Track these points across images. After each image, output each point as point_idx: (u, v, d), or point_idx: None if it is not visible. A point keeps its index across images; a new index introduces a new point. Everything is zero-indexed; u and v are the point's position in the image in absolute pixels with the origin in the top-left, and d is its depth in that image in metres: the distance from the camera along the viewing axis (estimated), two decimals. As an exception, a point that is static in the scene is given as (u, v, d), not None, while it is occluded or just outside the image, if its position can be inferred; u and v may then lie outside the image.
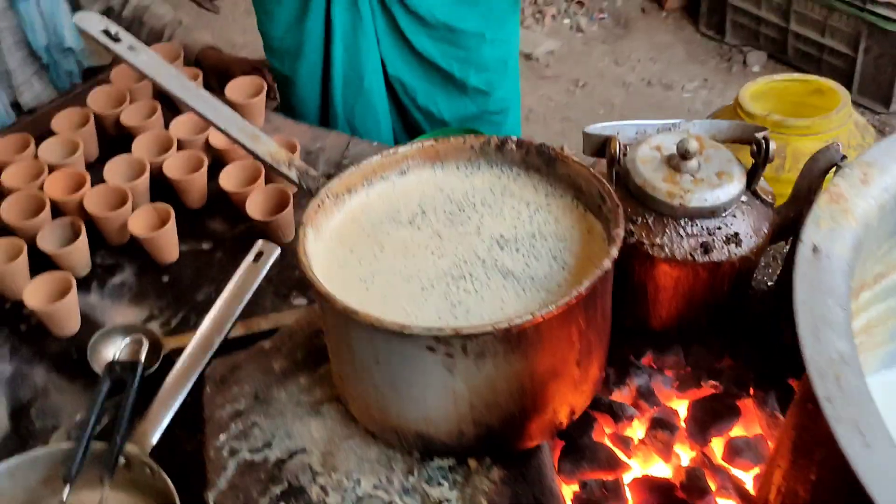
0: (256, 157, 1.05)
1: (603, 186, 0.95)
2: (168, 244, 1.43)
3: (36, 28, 1.80)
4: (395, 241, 0.97)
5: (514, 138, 1.04)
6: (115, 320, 1.36)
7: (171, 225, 1.40)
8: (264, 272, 1.16)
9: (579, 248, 0.95)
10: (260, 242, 1.19)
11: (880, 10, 2.98)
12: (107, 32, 1.01)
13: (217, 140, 1.55)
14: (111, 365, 1.10)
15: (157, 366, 1.23)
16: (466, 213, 1.01)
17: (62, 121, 1.62)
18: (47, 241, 1.38)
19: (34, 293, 1.29)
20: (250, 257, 1.17)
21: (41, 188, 1.46)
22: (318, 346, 1.06)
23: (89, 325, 1.35)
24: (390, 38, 1.76)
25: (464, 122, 1.86)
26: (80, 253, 1.40)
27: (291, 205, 1.43)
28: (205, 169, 1.50)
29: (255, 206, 1.43)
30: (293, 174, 1.02)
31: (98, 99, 1.67)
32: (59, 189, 1.47)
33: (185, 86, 1.04)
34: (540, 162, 1.02)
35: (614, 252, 0.88)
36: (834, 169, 1.01)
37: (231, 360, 1.06)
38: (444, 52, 1.78)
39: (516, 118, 1.99)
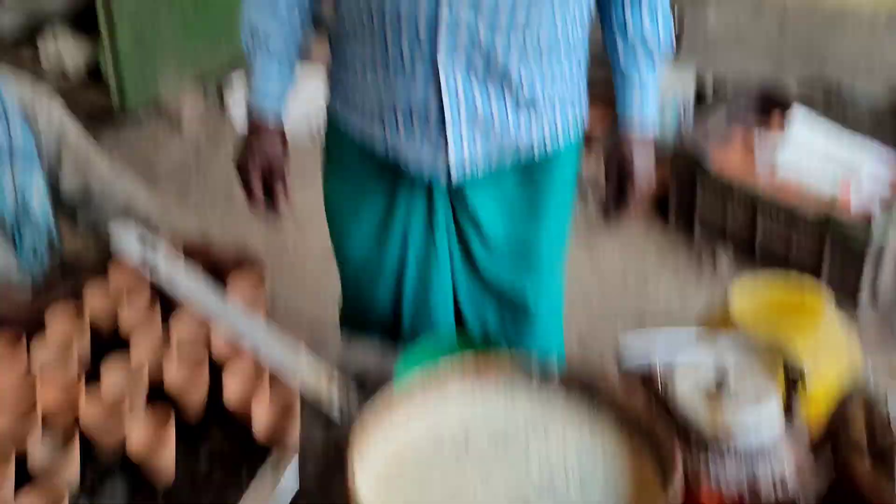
0: (291, 383, 1.00)
1: (660, 431, 0.93)
2: (166, 465, 1.33)
3: (5, 191, 1.74)
4: (440, 478, 0.92)
5: (558, 367, 1.02)
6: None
7: (171, 445, 1.32)
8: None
9: (630, 480, 0.91)
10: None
11: (842, 225, 3.14)
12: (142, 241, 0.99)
13: (219, 343, 1.50)
14: None
15: None
16: (511, 439, 0.97)
17: (56, 317, 1.56)
18: (37, 452, 1.29)
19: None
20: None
21: (32, 392, 1.38)
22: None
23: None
24: (465, 272, 1.71)
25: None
26: (72, 467, 1.30)
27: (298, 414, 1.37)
28: (206, 381, 1.43)
29: (261, 420, 1.36)
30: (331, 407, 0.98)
31: (94, 295, 1.62)
32: (52, 395, 1.39)
33: (220, 305, 1.01)
34: (585, 389, 1.00)
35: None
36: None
37: None
38: (516, 279, 1.73)
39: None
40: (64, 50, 3.30)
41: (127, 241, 0.96)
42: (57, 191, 1.87)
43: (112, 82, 3.20)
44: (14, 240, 1.79)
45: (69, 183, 1.86)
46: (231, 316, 0.98)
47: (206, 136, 3.47)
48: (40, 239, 1.84)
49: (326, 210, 1.81)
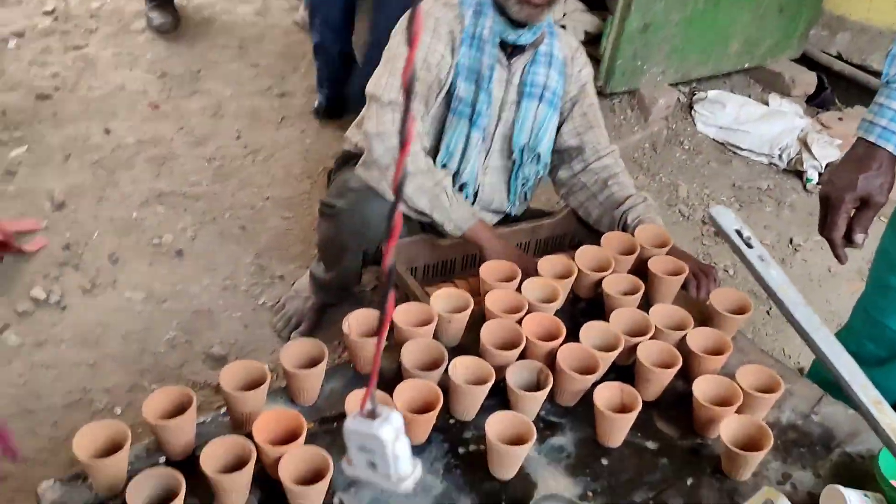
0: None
1: None
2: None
3: (524, 124, 1.93)
4: None
5: None
6: (548, 483, 1.31)
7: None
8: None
9: None
10: (768, 491, 1.07)
11: None
12: (739, 233, 0.99)
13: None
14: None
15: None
16: None
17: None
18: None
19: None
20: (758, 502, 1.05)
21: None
22: None
23: None
24: None
25: None
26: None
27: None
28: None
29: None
30: None
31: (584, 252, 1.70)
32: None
33: (811, 321, 0.98)
34: None
35: None
36: None
37: None
38: None
39: None
40: (573, 18, 3.52)
41: (726, 225, 0.98)
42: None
43: (605, 61, 3.34)
44: (511, 174, 1.99)
45: (568, 134, 2.00)
46: (817, 330, 0.94)
47: (667, 133, 3.50)
48: (530, 176, 2.00)
49: None
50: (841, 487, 1.27)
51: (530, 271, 1.63)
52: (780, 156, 3.39)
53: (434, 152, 1.90)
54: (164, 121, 3.17)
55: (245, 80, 3.50)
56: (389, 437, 0.72)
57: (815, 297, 2.76)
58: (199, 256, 2.55)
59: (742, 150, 3.45)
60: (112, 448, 1.20)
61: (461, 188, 1.92)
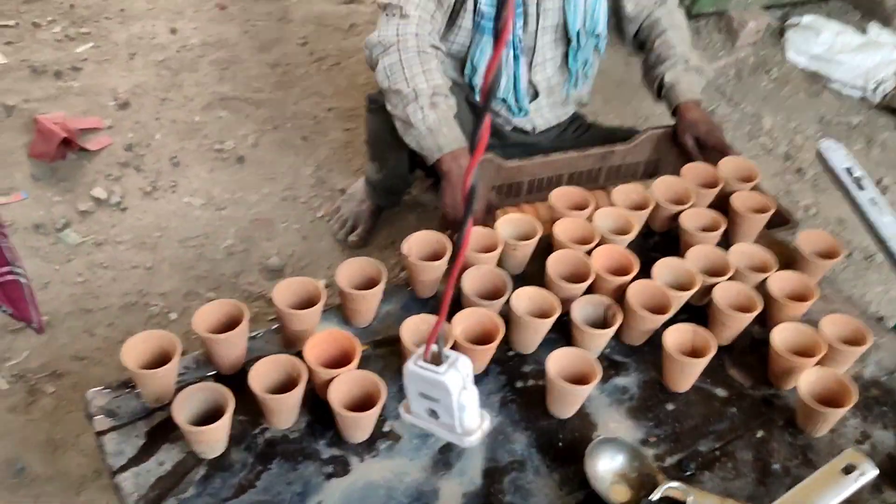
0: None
1: None
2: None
3: (578, 9, 1.84)
4: None
5: None
6: (609, 426, 1.25)
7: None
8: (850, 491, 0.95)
9: None
10: (851, 453, 0.98)
11: None
12: (850, 172, 0.88)
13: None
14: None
15: (646, 506, 1.10)
16: None
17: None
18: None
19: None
20: (838, 465, 0.97)
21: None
22: None
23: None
24: None
25: None
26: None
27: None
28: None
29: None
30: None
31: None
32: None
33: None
34: None
35: None
36: None
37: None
38: None
39: None
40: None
41: (835, 162, 0.88)
42: None
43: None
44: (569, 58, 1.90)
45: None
46: None
47: (754, 60, 3.29)
48: (590, 56, 1.93)
49: None
50: (927, 453, 1.18)
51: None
52: (874, 90, 3.16)
53: (462, 64, 1.83)
54: (230, 23, 3.09)
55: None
56: (456, 385, 0.64)
57: (900, 242, 2.59)
58: (259, 164, 2.50)
59: (833, 81, 3.22)
60: (161, 358, 1.17)
61: (504, 102, 1.88)
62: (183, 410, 1.11)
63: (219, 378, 1.24)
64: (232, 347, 1.21)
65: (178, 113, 2.66)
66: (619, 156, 1.97)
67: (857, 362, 1.37)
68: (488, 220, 1.56)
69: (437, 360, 0.65)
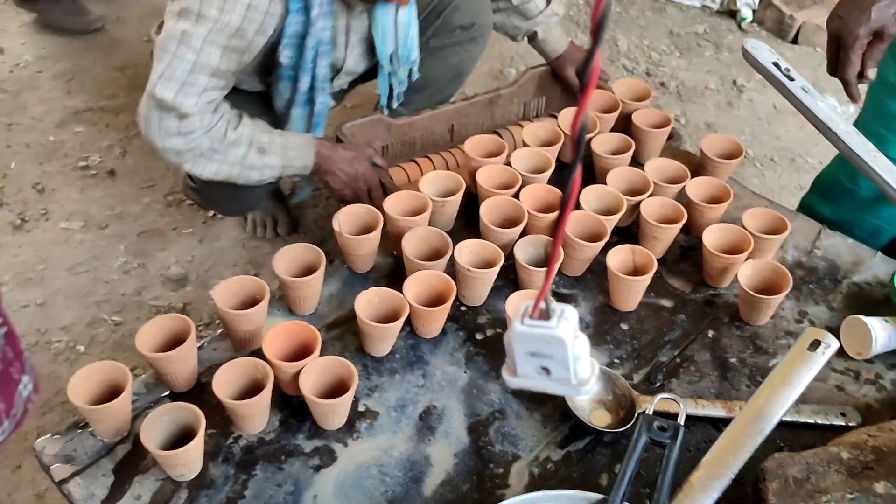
0: None
1: None
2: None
3: None
4: None
5: None
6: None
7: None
8: (820, 365, 1.01)
9: None
10: (812, 331, 1.04)
11: None
12: (777, 66, 0.91)
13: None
14: (649, 419, 0.98)
15: (630, 424, 1.14)
16: None
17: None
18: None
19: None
20: (804, 344, 1.03)
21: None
22: None
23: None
24: None
25: None
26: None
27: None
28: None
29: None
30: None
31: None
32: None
33: (867, 149, 0.92)
34: None
35: None
36: None
37: (802, 459, 0.92)
38: None
39: None
40: None
41: (762, 59, 0.91)
42: None
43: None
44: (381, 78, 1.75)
45: None
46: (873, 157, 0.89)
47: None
48: (404, 77, 1.75)
49: None
50: (862, 317, 1.26)
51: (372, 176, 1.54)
52: (711, -3, 3.32)
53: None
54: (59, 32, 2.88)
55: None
56: (569, 336, 0.63)
57: (764, 134, 2.76)
58: (133, 174, 2.36)
59: (673, -5, 3.36)
60: (109, 391, 1.10)
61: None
62: (152, 437, 1.05)
63: (174, 397, 1.17)
64: (183, 363, 1.15)
65: (30, 136, 2.46)
66: (506, 98, 1.98)
67: (779, 249, 1.45)
68: (384, 175, 1.53)
69: (544, 315, 0.64)
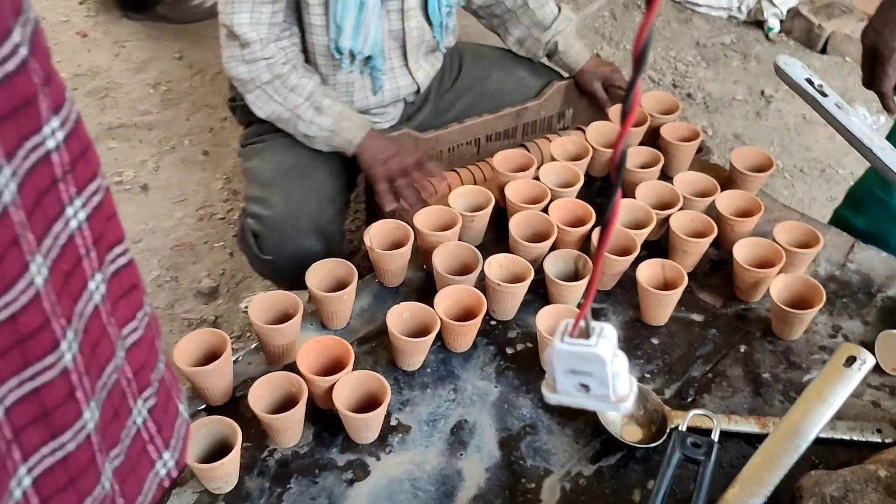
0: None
1: None
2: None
3: None
4: None
5: None
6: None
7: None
8: (856, 382, 1.00)
9: None
10: (848, 346, 1.04)
11: None
12: (811, 82, 0.92)
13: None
14: (683, 435, 0.98)
15: (662, 440, 1.13)
16: None
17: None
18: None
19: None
20: (839, 360, 1.02)
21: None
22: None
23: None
24: None
25: None
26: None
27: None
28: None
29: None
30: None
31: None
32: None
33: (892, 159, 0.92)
34: None
35: None
36: None
37: (839, 477, 0.91)
38: None
39: None
40: None
41: (795, 75, 0.91)
42: None
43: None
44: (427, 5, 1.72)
45: None
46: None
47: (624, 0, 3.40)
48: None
49: None
50: (896, 332, 1.25)
51: (415, 171, 1.51)
52: (738, 7, 3.31)
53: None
54: (96, 49, 2.94)
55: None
56: (608, 354, 0.64)
57: (794, 145, 2.74)
58: (166, 189, 2.40)
59: (700, 6, 3.35)
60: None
61: (367, 62, 1.64)
62: (189, 450, 1.06)
63: (210, 410, 1.19)
64: (220, 377, 1.17)
65: (65, 152, 2.51)
66: (533, 111, 1.99)
67: (811, 263, 1.44)
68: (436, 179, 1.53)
69: (584, 334, 0.65)
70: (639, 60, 0.50)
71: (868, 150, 1.02)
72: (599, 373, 0.64)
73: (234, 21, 1.49)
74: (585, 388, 0.67)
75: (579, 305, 1.34)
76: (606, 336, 0.64)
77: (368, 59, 1.63)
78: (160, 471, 0.68)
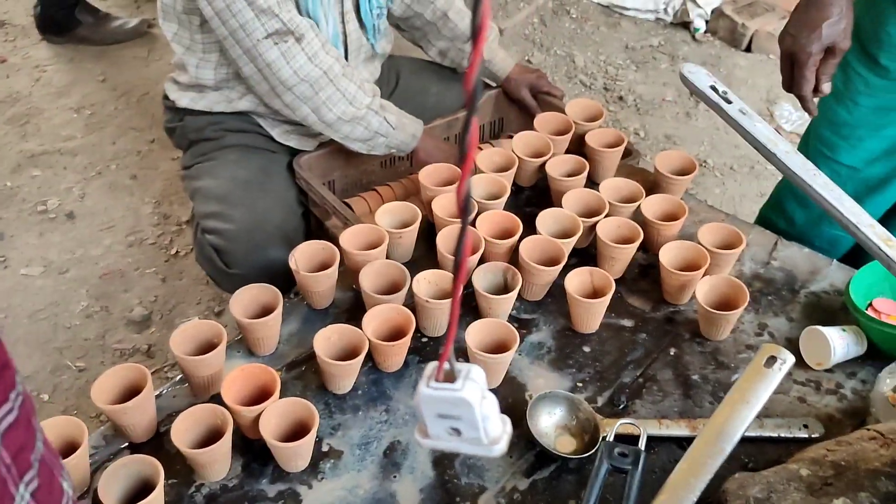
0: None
1: None
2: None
3: None
4: None
5: None
6: (537, 383, 1.27)
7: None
8: (777, 382, 1.01)
9: None
10: (768, 347, 1.05)
11: None
12: (715, 89, 0.92)
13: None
14: (610, 446, 0.98)
15: (595, 449, 1.13)
16: None
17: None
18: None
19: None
20: (760, 361, 1.03)
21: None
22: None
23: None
24: None
25: None
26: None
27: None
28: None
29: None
30: None
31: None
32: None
33: (806, 168, 0.93)
34: None
35: None
36: None
37: (762, 479, 0.92)
38: None
39: None
40: None
41: (699, 83, 0.92)
42: None
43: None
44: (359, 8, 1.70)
45: None
46: (814, 178, 0.91)
47: (553, 4, 3.42)
48: (383, 2, 1.74)
49: None
50: (820, 328, 1.27)
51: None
52: (665, 9, 3.36)
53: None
54: (15, 74, 2.86)
55: (95, 15, 3.18)
56: (476, 397, 0.61)
57: (723, 144, 2.79)
58: (93, 216, 2.34)
59: (628, 10, 3.40)
60: (65, 446, 1.08)
61: None
62: (110, 492, 1.03)
63: (134, 448, 1.16)
64: (142, 413, 1.13)
65: (-14, 182, 2.44)
66: (462, 122, 1.98)
67: (736, 262, 1.46)
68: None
69: (450, 377, 0.62)
70: (472, 98, 0.49)
71: (772, 154, 1.04)
72: (468, 417, 0.63)
73: (284, 19, 1.44)
74: (457, 431, 0.65)
75: (509, 319, 1.33)
76: (473, 378, 0.62)
77: None
78: None
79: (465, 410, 0.62)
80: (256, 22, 1.44)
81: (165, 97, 1.76)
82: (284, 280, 1.41)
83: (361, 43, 1.72)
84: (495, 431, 0.65)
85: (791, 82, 1.31)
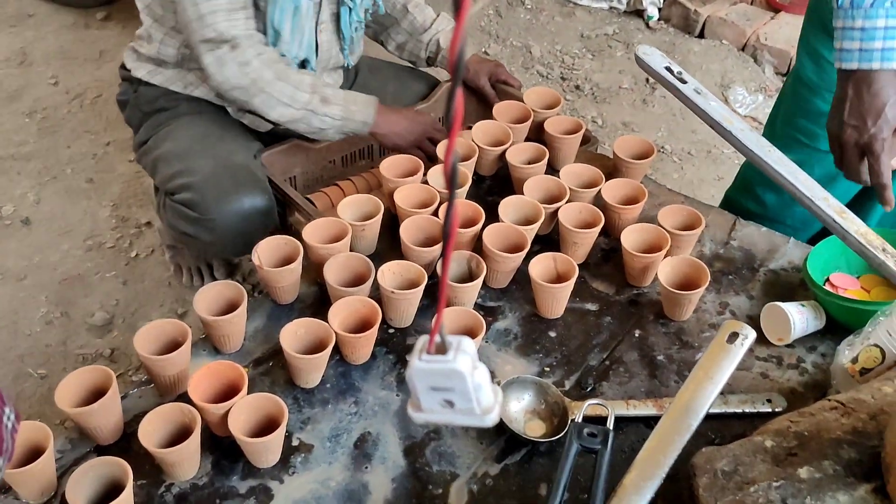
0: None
1: None
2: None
3: None
4: None
5: None
6: (505, 369, 1.28)
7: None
8: (740, 357, 1.03)
9: None
10: (730, 324, 1.07)
11: None
12: (670, 70, 0.93)
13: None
14: (579, 426, 0.99)
15: (564, 432, 1.14)
16: None
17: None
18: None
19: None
20: (722, 337, 1.05)
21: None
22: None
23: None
24: None
25: None
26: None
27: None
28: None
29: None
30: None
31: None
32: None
33: (761, 145, 0.95)
34: None
35: None
36: None
37: (729, 452, 0.93)
38: None
39: None
40: None
41: (654, 64, 0.93)
42: None
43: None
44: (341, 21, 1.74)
45: None
46: (770, 154, 0.92)
47: (506, -3, 3.44)
48: (363, 16, 1.76)
49: None
50: (779, 304, 1.30)
51: (433, 133, 1.63)
52: (618, -1, 3.39)
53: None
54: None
55: (44, 15, 3.13)
56: (467, 367, 0.62)
57: (680, 129, 2.82)
58: (49, 221, 2.30)
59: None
60: (31, 451, 1.06)
61: (302, 65, 1.65)
62: (78, 496, 1.01)
63: (100, 450, 1.14)
64: (107, 415, 1.12)
65: (-64, 190, 2.38)
66: (447, 92, 1.98)
67: (697, 243, 1.48)
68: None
69: (441, 349, 0.63)
70: (456, 67, 0.50)
71: (728, 132, 1.05)
72: (461, 387, 0.64)
73: (219, 28, 1.44)
74: (450, 403, 0.66)
75: (475, 307, 1.34)
76: (464, 349, 0.63)
77: (304, 62, 1.64)
78: (7, 423, 0.76)
79: (457, 381, 0.63)
80: (197, 24, 1.45)
81: (123, 66, 1.74)
82: (261, 220, 1.48)
83: (332, 54, 1.73)
84: (488, 401, 0.66)
85: (851, 171, 1.25)
